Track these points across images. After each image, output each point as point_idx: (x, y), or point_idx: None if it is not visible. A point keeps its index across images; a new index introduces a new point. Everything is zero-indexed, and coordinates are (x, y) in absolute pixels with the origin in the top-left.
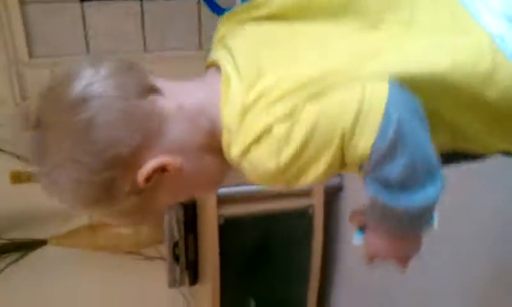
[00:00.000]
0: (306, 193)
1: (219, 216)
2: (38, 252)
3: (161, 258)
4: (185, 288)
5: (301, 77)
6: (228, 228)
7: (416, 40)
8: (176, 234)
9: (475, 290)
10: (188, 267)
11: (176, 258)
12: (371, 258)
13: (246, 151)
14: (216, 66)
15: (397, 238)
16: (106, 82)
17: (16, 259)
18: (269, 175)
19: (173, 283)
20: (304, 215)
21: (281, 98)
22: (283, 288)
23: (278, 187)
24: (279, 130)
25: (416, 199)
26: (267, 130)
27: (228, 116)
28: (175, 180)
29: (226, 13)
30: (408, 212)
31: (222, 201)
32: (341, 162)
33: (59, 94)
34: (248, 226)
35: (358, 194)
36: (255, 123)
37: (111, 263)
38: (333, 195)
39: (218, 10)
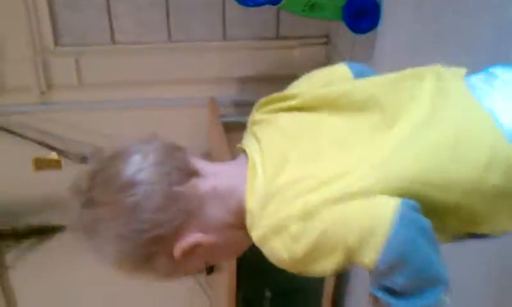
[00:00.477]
0: None
1: None
2: (56, 238)
3: None
4: (202, 278)
5: (321, 176)
6: None
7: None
8: None
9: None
10: None
11: None
12: None
13: (265, 239)
14: (246, 152)
15: None
16: (153, 169)
17: (35, 244)
18: (283, 263)
19: None
20: None
21: (301, 196)
22: (300, 278)
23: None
24: (294, 228)
25: (417, 304)
26: (284, 226)
27: (252, 202)
28: (206, 252)
29: (262, 99)
30: None
31: None
32: (351, 262)
33: (110, 176)
34: None
35: None
36: (275, 214)
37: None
38: None
39: (243, 1)
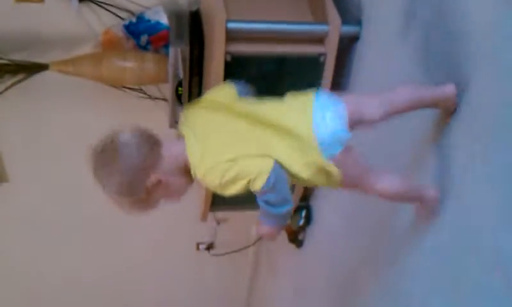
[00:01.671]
0: (320, 40)
1: (227, 53)
2: (39, 76)
3: (164, 99)
4: None
5: (228, 157)
6: (235, 66)
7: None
8: (180, 73)
9: None
10: None
11: (179, 98)
12: (260, 236)
13: (205, 175)
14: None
15: (273, 226)
16: (139, 139)
17: (17, 82)
18: (214, 187)
19: (174, 124)
20: (315, 63)
21: (219, 164)
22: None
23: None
24: (223, 167)
25: (280, 210)
26: (216, 168)
27: (193, 158)
28: (165, 187)
29: (187, 105)
30: (277, 215)
31: (231, 37)
32: (248, 187)
33: (114, 142)
34: (254, 66)
35: (374, 47)
36: (211, 162)
37: (112, 97)
38: (348, 44)
39: None
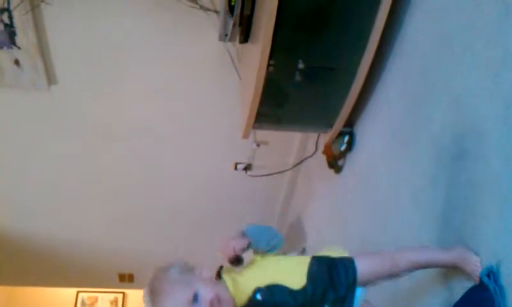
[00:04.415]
0: None
1: None
2: None
3: (215, 11)
4: (232, 47)
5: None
6: None
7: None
8: None
9: None
10: (242, 22)
11: (231, 10)
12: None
13: None
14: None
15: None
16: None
17: None
18: None
19: (224, 37)
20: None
21: None
22: (336, 56)
23: None
24: None
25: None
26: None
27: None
28: None
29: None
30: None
31: None
32: None
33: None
34: None
35: None
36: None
37: (164, 7)
38: None
39: None
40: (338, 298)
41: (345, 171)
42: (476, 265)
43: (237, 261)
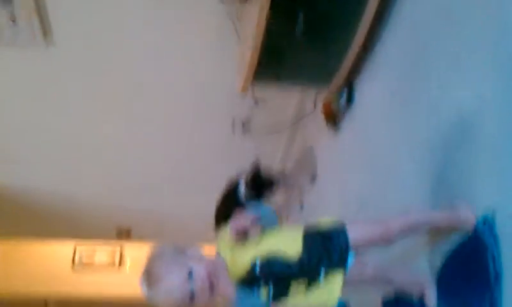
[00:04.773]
0: None
1: None
2: None
3: None
4: (232, 8)
5: None
6: None
7: None
8: None
9: None
10: None
11: None
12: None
13: None
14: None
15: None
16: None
17: None
18: None
19: None
20: None
21: None
22: (337, 12)
23: None
24: None
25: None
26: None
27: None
28: None
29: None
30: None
31: None
32: None
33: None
34: None
35: None
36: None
37: None
38: None
39: None
40: (332, 263)
41: (344, 129)
42: (470, 215)
43: (244, 236)
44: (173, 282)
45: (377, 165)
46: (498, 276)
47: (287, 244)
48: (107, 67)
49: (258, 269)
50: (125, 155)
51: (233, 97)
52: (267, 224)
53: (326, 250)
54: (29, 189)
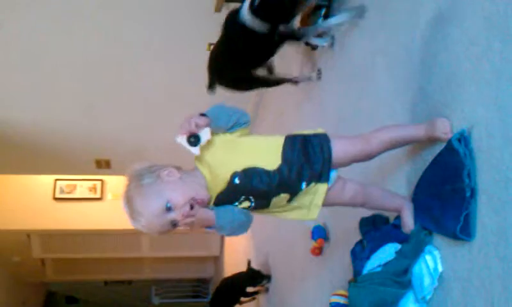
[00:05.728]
0: None
1: None
2: None
3: None
4: None
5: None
6: None
7: None
8: None
9: None
10: None
11: None
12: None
13: None
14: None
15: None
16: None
17: None
18: None
19: None
20: None
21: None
22: None
23: None
24: None
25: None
26: None
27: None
28: None
29: None
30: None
31: None
32: None
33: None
34: None
35: None
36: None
37: None
38: None
39: None
40: (314, 174)
41: (321, 47)
42: (446, 126)
43: (194, 138)
44: (152, 216)
45: (354, 79)
46: (473, 193)
47: (265, 153)
48: None
49: (238, 182)
50: (101, 85)
51: (209, 20)
52: (225, 123)
53: (307, 159)
54: (8, 125)
